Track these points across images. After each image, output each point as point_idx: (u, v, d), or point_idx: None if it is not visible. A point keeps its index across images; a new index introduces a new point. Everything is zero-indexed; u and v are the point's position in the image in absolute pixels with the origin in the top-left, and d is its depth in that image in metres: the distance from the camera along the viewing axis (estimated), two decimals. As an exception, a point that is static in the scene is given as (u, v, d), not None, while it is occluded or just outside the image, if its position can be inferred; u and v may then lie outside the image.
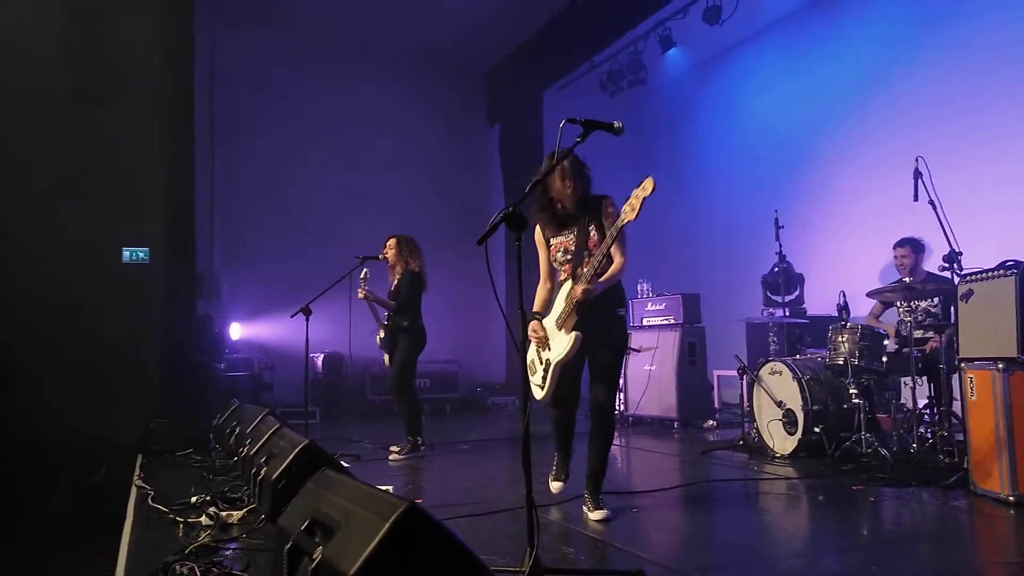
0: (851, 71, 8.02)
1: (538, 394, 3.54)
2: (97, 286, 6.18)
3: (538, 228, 3.66)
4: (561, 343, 3.39)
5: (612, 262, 3.42)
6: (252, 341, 8.93)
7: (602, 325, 3.44)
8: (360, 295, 5.74)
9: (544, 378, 3.47)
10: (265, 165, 9.39)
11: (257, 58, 9.47)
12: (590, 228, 3.45)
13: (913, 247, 5.34)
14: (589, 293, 3.29)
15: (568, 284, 3.43)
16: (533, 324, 3.54)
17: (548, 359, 3.45)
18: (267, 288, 8.75)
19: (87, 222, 6.20)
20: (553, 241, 3.62)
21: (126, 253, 6.44)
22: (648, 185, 3.01)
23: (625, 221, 3.08)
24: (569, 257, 3.52)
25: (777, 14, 8.82)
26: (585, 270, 3.32)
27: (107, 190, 6.30)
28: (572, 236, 3.54)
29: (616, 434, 6.79)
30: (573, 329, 3.37)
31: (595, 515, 3.43)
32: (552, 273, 3.69)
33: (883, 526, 3.53)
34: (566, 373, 3.45)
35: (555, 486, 3.82)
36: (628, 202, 3.06)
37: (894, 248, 5.43)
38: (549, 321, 3.52)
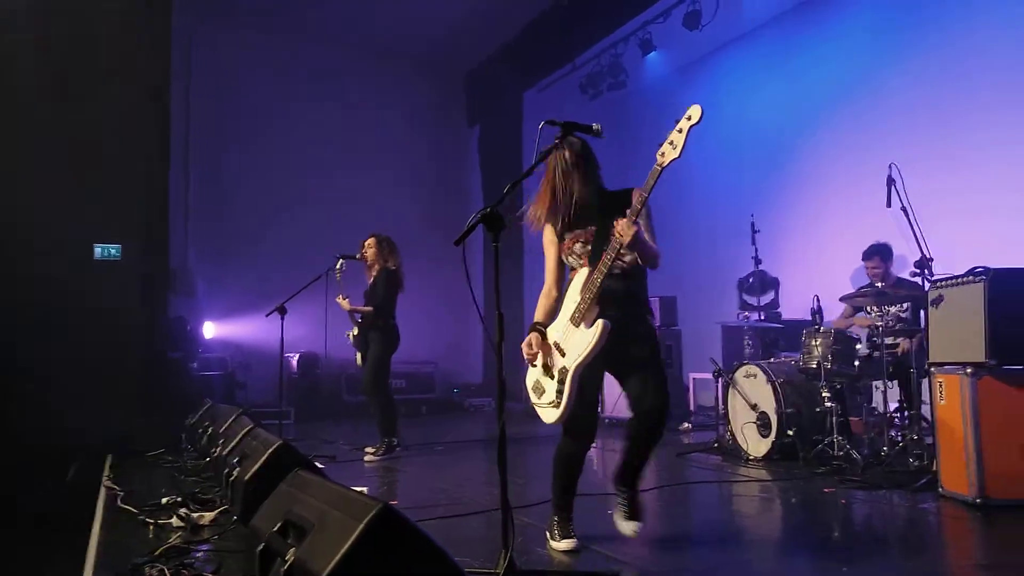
0: (828, 78, 8.12)
1: (551, 415, 2.94)
2: (68, 283, 6.09)
3: (548, 226, 3.16)
4: (583, 339, 2.85)
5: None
6: (226, 340, 8.84)
7: (632, 321, 2.95)
8: (344, 306, 5.72)
9: (559, 391, 2.89)
10: (242, 163, 9.31)
11: (236, 56, 9.39)
12: (616, 220, 2.87)
13: (882, 256, 5.42)
14: (632, 233, 2.72)
15: (583, 273, 2.94)
16: (531, 338, 3.00)
17: (564, 366, 2.90)
18: (242, 286, 8.67)
19: (58, 218, 6.10)
20: (568, 236, 3.10)
21: (98, 250, 6.34)
22: (695, 113, 2.64)
23: (668, 161, 2.70)
24: (589, 248, 3.02)
25: (756, 21, 8.91)
26: (624, 220, 2.78)
27: (79, 186, 6.21)
28: (592, 229, 3.04)
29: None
30: (596, 319, 2.84)
31: (630, 526, 3.03)
32: (560, 280, 3.15)
33: (854, 528, 3.58)
34: (587, 384, 2.92)
35: (565, 544, 3.00)
36: (668, 139, 2.69)
37: (864, 259, 5.50)
38: (560, 322, 3.00)
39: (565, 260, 3.13)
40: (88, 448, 5.43)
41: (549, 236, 3.17)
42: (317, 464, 3.67)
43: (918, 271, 4.60)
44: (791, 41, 8.70)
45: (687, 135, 2.65)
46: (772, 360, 5.75)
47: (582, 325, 2.88)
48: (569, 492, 3.12)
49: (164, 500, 3.58)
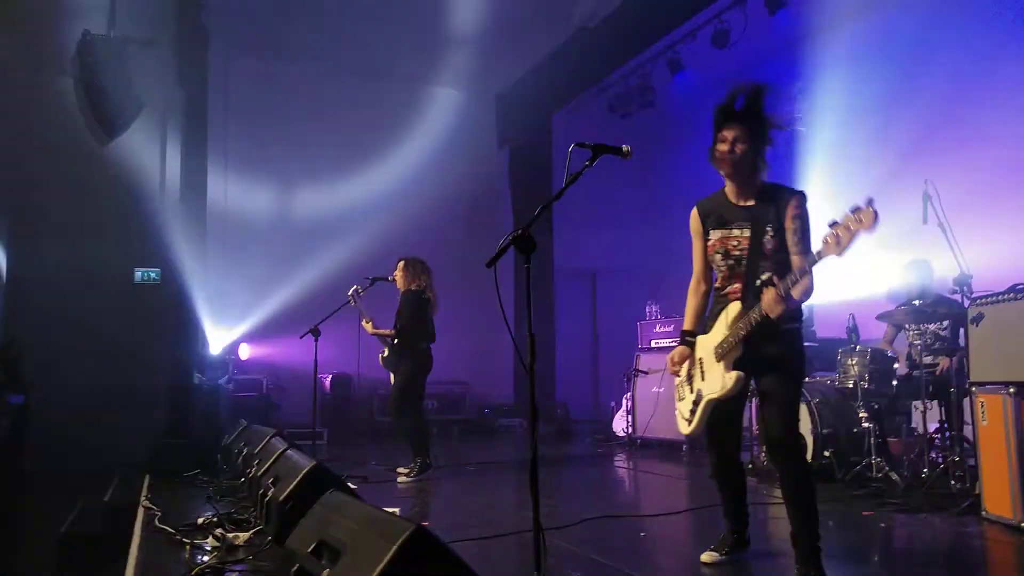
0: (860, 93, 8.04)
1: (684, 427, 2.97)
2: (109, 306, 6.26)
3: (695, 213, 2.97)
4: (717, 380, 2.81)
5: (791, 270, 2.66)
6: (261, 362, 8.96)
7: (768, 343, 2.75)
8: (368, 329, 5.77)
9: (693, 411, 2.90)
10: (276, 187, 9.49)
11: (270, 86, 9.60)
12: (767, 230, 2.68)
13: (923, 273, 5.29)
14: (777, 308, 2.57)
15: (734, 307, 2.79)
16: (676, 352, 2.97)
17: (700, 390, 2.87)
18: (277, 308, 8.80)
19: (100, 243, 6.28)
20: (713, 235, 2.88)
21: (138, 274, 6.50)
22: (866, 218, 2.34)
23: (824, 256, 2.50)
24: (731, 263, 2.82)
25: (786, 38, 8.87)
26: (772, 292, 2.59)
27: (121, 211, 6.40)
28: (740, 234, 2.80)
29: (624, 456, 6.86)
30: (735, 367, 2.77)
31: None
32: (708, 273, 3.00)
33: (894, 553, 3.49)
34: (721, 408, 2.86)
35: (706, 556, 3.04)
36: (833, 231, 2.44)
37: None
38: (707, 343, 2.90)
39: (710, 260, 2.94)
40: (126, 468, 5.53)
41: (694, 225, 2.98)
42: (350, 485, 3.70)
43: (957, 288, 4.51)
44: (821, 58, 8.64)
45: (852, 238, 2.43)
46: (807, 380, 5.66)
47: (722, 363, 2.81)
48: (731, 499, 3.10)
49: (200, 520, 3.62)
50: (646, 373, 7.32)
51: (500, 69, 10.25)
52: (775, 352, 2.75)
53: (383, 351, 5.92)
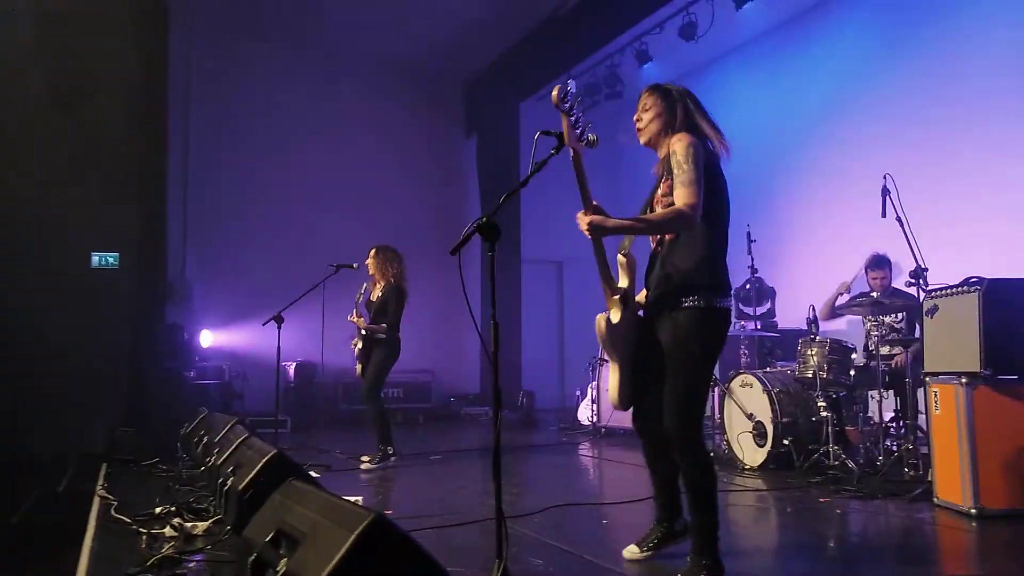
0: (822, 89, 8.16)
1: (612, 401, 2.92)
2: (65, 291, 6.10)
3: None
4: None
5: None
6: (223, 349, 8.82)
7: (661, 319, 2.71)
8: (360, 325, 5.72)
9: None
10: (240, 172, 9.31)
11: (235, 66, 9.42)
12: (662, 175, 2.73)
13: (888, 267, 5.41)
14: (596, 225, 2.64)
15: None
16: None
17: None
18: (239, 295, 8.67)
19: (56, 226, 6.11)
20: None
21: (95, 258, 6.35)
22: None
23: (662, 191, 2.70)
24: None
25: (752, 31, 8.95)
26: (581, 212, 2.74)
27: (78, 194, 6.22)
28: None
29: (588, 445, 6.90)
30: (643, 327, 2.79)
31: None
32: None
33: (849, 538, 3.58)
34: (640, 385, 2.79)
35: (627, 552, 2.95)
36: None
37: (869, 268, 5.47)
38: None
39: None
40: (82, 457, 5.41)
41: None
42: (312, 473, 3.67)
43: (913, 281, 4.62)
44: (787, 52, 8.75)
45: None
46: (768, 370, 5.76)
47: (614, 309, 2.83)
48: (658, 486, 2.99)
49: (158, 510, 3.56)
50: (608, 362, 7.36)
51: (468, 56, 10.18)
52: (670, 326, 2.67)
53: (355, 341, 5.86)
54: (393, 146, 10.38)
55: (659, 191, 2.74)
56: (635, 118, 2.93)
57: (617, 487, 5.02)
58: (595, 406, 7.63)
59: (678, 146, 2.67)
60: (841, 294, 5.66)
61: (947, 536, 3.51)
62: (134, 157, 6.53)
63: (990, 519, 3.59)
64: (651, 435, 2.88)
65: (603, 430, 7.50)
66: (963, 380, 3.75)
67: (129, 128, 6.51)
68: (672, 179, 2.65)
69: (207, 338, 8.69)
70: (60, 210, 6.16)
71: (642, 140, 2.92)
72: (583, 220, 2.68)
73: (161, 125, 6.83)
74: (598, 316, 2.81)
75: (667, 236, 2.75)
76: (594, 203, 2.79)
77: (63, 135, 6.17)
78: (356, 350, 5.86)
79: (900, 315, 5.29)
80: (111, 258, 6.41)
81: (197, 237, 9.13)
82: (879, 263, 5.42)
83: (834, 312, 5.63)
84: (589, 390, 7.86)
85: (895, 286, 5.40)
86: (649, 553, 2.95)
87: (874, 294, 5.38)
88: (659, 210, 2.71)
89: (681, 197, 2.59)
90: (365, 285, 5.89)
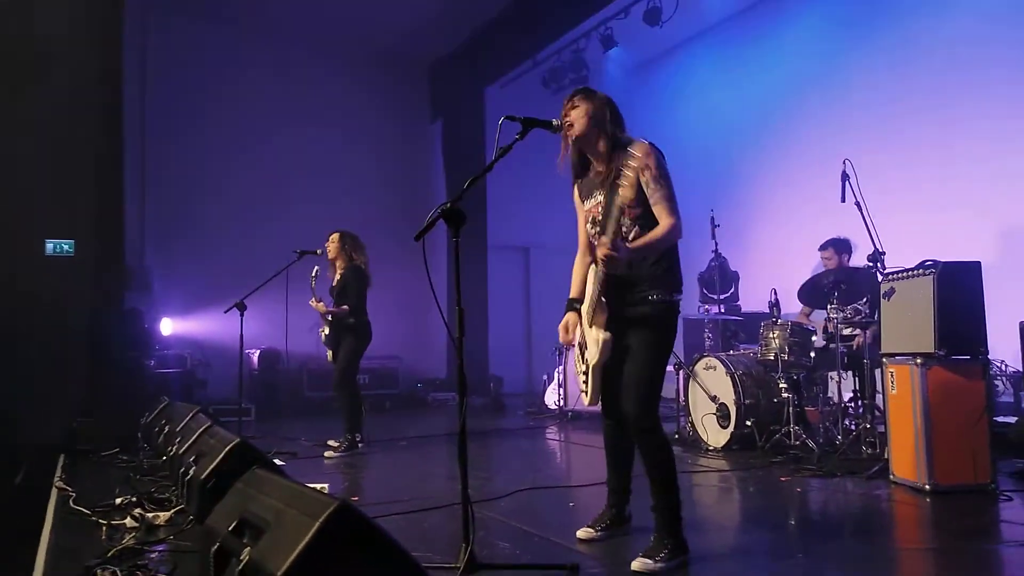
0: (785, 74, 8.26)
1: (584, 399, 2.96)
2: (19, 279, 5.92)
3: (575, 187, 3.05)
4: (591, 344, 2.83)
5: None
6: (185, 337, 8.67)
7: (627, 309, 2.79)
8: (320, 310, 5.63)
9: (585, 382, 2.91)
10: (200, 157, 9.11)
11: (193, 47, 9.19)
12: (619, 187, 2.63)
13: (836, 248, 5.51)
14: (612, 261, 2.58)
15: (593, 268, 2.85)
16: (566, 320, 2.97)
17: (587, 359, 2.88)
18: (201, 282, 8.51)
19: (8, 212, 5.92)
20: (585, 205, 2.98)
21: (49, 245, 6.17)
22: (637, 154, 2.56)
23: (624, 200, 2.60)
24: (597, 229, 2.86)
25: (715, 17, 9.02)
26: (604, 238, 2.66)
27: (31, 179, 6.03)
28: (601, 200, 2.86)
29: (555, 429, 6.96)
30: (607, 326, 2.79)
31: (635, 563, 2.61)
32: (591, 245, 2.95)
33: (809, 515, 3.66)
34: (611, 376, 2.82)
35: (581, 532, 3.02)
36: (623, 173, 2.57)
37: (820, 250, 5.59)
38: (584, 309, 2.93)
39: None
40: (39, 449, 5.29)
41: (576, 198, 3.05)
42: (277, 461, 3.64)
43: (871, 264, 4.71)
44: (750, 38, 8.82)
45: (637, 177, 2.61)
46: (731, 352, 5.84)
47: (593, 327, 2.82)
48: (615, 470, 3.09)
49: (118, 500, 3.50)
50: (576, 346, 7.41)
51: (434, 40, 10.08)
52: (633, 319, 2.78)
53: (322, 328, 5.80)
54: (358, 130, 10.25)
55: (618, 198, 2.64)
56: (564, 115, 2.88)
57: (583, 470, 5.06)
58: (561, 390, 7.67)
59: (650, 160, 2.71)
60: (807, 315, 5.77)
61: (902, 511, 3.61)
62: (88, 141, 6.33)
63: (943, 494, 3.70)
64: (616, 418, 2.95)
65: (570, 414, 7.56)
66: (918, 361, 3.85)
67: (83, 111, 6.30)
68: (638, 189, 2.66)
69: (168, 326, 8.53)
70: (12, 196, 5.97)
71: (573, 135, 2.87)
72: (605, 253, 2.60)
73: (116, 108, 6.61)
74: (606, 336, 2.78)
75: (629, 237, 2.76)
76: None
77: (11, 117, 5.97)
78: (323, 336, 5.80)
79: (865, 299, 5.37)
80: (66, 245, 6.24)
81: (156, 223, 8.93)
82: (826, 244, 5.53)
83: (807, 315, 5.75)
84: (556, 374, 7.91)
85: (855, 266, 5.48)
86: (601, 533, 3.02)
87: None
88: (627, 221, 2.74)
89: (669, 212, 2.74)
90: (316, 268, 5.76)
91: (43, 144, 6.11)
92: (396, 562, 1.67)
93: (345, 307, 5.61)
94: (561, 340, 3.01)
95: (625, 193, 2.56)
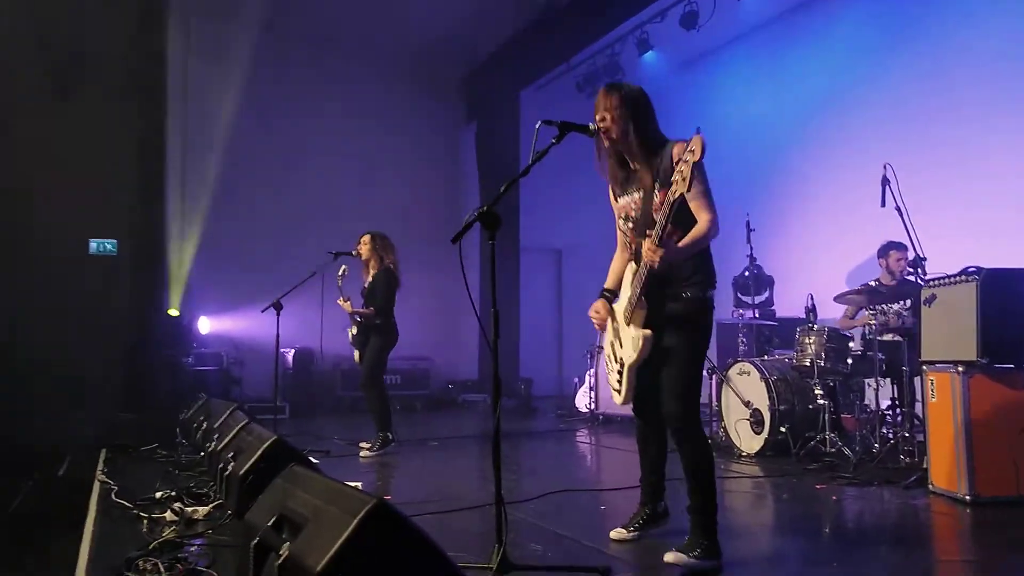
0: (824, 78, 8.14)
1: (616, 398, 2.96)
2: (63, 277, 6.09)
3: (611, 185, 3.03)
4: (630, 344, 2.81)
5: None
6: (222, 335, 8.83)
7: (666, 304, 2.76)
8: (346, 309, 5.70)
9: (619, 380, 2.90)
10: (239, 160, 9.28)
11: (234, 53, 9.35)
12: (656, 185, 2.66)
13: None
14: (658, 259, 2.58)
15: (632, 266, 2.84)
16: (597, 304, 2.97)
17: (622, 358, 2.87)
18: (238, 282, 8.66)
19: (54, 212, 6.10)
20: (619, 202, 2.96)
21: (93, 244, 6.34)
22: (697, 147, 2.46)
23: (677, 194, 2.54)
24: (631, 225, 2.87)
25: (754, 21, 8.91)
26: (648, 241, 2.65)
27: (76, 181, 6.21)
28: (636, 197, 2.85)
29: (586, 432, 6.94)
30: (645, 324, 2.77)
31: (668, 555, 2.67)
32: (631, 243, 2.94)
33: (845, 524, 3.60)
34: (646, 374, 2.82)
35: (614, 533, 3.02)
36: (678, 169, 2.51)
37: (889, 251, 5.34)
38: (619, 308, 2.91)
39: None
40: (81, 443, 5.43)
41: (611, 196, 3.03)
42: (312, 459, 3.69)
43: (912, 270, 4.62)
44: (788, 42, 8.71)
45: (693, 170, 2.49)
46: (766, 357, 5.77)
47: (631, 325, 2.81)
48: (650, 470, 3.07)
49: (158, 495, 3.58)
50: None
51: (469, 45, 10.13)
52: (669, 316, 2.76)
53: (351, 328, 5.87)
54: (394, 134, 10.35)
55: (656, 199, 2.68)
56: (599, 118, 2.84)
57: (614, 473, 5.05)
58: (593, 393, 7.65)
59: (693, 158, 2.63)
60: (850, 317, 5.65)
61: (941, 522, 3.53)
62: (133, 143, 6.50)
63: (984, 506, 3.62)
64: (650, 417, 2.95)
65: (601, 417, 7.53)
66: (959, 368, 3.77)
67: (127, 113, 6.48)
68: (669, 188, 2.59)
69: (205, 324, 8.70)
70: (58, 196, 6.14)
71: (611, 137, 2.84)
72: (654, 253, 2.61)
73: (160, 111, 6.79)
74: (647, 333, 2.76)
75: (664, 235, 2.68)
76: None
77: (60, 120, 6.14)
78: (351, 337, 5.87)
79: (908, 302, 5.24)
80: (109, 244, 6.40)
81: (195, 224, 9.11)
82: (898, 245, 5.25)
83: (851, 317, 5.63)
84: (587, 377, 7.89)
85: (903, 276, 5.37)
86: (636, 534, 3.02)
87: (872, 283, 5.37)
88: (659, 219, 2.65)
89: (708, 208, 2.72)
90: (344, 268, 5.81)
91: (89, 146, 6.29)
92: (431, 560, 1.69)
93: (371, 309, 5.67)
94: (592, 317, 3.00)
95: (680, 188, 2.50)
